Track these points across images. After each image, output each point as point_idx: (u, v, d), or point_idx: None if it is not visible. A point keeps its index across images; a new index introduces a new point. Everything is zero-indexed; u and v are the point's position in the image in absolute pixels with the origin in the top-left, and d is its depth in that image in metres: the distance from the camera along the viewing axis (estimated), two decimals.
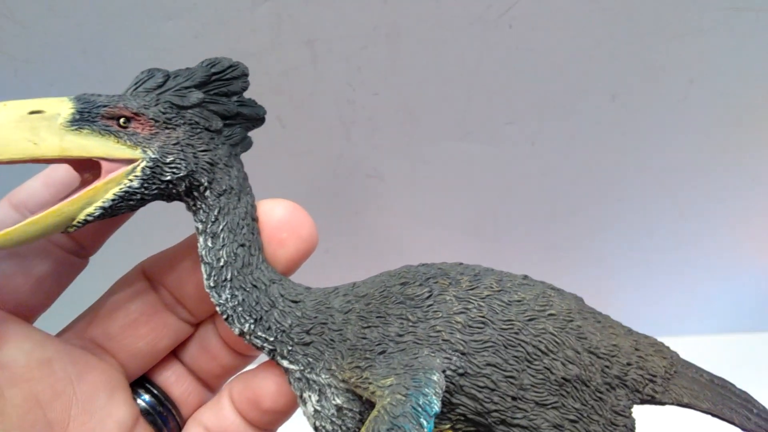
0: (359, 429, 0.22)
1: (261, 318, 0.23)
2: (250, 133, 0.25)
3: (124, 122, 0.20)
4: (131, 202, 0.20)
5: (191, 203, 0.22)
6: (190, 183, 0.21)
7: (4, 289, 0.21)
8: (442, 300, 0.22)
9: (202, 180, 0.22)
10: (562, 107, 0.48)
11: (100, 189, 0.19)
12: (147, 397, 0.25)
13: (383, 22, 0.43)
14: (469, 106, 0.47)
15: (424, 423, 0.18)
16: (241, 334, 0.23)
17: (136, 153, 0.20)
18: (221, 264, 0.22)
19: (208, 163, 0.22)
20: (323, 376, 0.23)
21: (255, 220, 0.23)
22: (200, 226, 0.22)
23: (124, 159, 0.20)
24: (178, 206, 0.24)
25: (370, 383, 0.21)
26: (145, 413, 0.25)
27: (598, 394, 0.22)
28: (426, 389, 0.19)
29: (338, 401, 0.22)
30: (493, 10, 0.43)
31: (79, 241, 0.23)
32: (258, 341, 0.23)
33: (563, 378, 0.21)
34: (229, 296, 0.22)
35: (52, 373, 0.21)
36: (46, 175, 0.22)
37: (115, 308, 0.24)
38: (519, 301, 0.22)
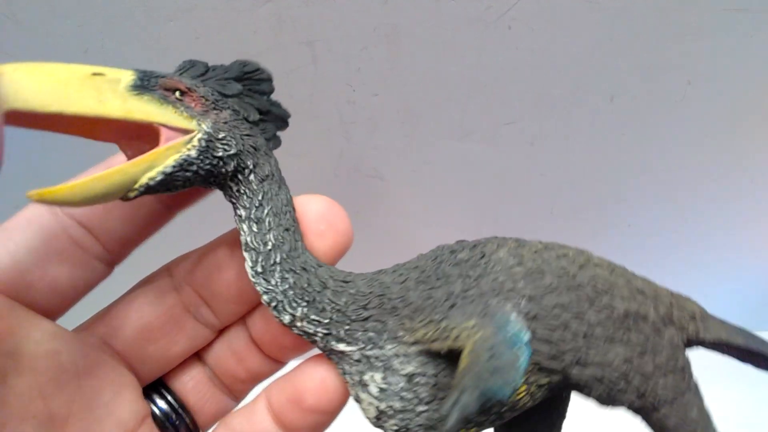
0: (435, 396, 0.22)
1: (314, 299, 0.22)
2: None
3: (179, 95, 0.21)
4: (188, 173, 0.20)
5: (234, 188, 0.22)
6: (237, 163, 0.21)
7: (21, 286, 0.21)
8: (497, 258, 0.22)
9: (248, 162, 0.22)
10: (561, 108, 0.48)
11: (162, 154, 0.19)
12: (162, 403, 0.24)
13: (383, 22, 0.43)
14: (468, 106, 0.48)
15: (520, 353, 0.19)
16: (292, 321, 0.22)
17: (192, 124, 0.20)
18: (269, 247, 0.22)
19: (252, 146, 0.22)
20: (388, 347, 0.22)
21: (294, 210, 0.23)
22: (243, 213, 0.22)
23: (182, 129, 0.20)
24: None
25: (452, 329, 0.20)
26: (157, 420, 0.24)
27: (656, 328, 0.22)
28: (511, 324, 0.19)
29: (410, 369, 0.22)
30: (492, 11, 0.43)
31: (107, 247, 0.22)
32: (311, 326, 0.22)
33: (625, 312, 0.22)
34: (279, 280, 0.22)
35: (59, 366, 0.21)
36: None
37: (129, 308, 0.23)
38: (565, 255, 0.23)
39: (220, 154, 0.21)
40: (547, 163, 0.51)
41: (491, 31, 0.44)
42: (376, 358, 0.22)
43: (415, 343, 0.22)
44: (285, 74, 0.45)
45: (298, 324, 0.22)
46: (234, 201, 0.22)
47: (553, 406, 0.25)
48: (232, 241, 0.24)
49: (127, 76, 0.19)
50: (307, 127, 0.48)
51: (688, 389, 0.23)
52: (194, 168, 0.20)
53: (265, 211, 0.22)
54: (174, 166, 0.20)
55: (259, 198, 0.22)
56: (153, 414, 0.24)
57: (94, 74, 0.19)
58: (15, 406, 0.19)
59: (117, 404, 0.22)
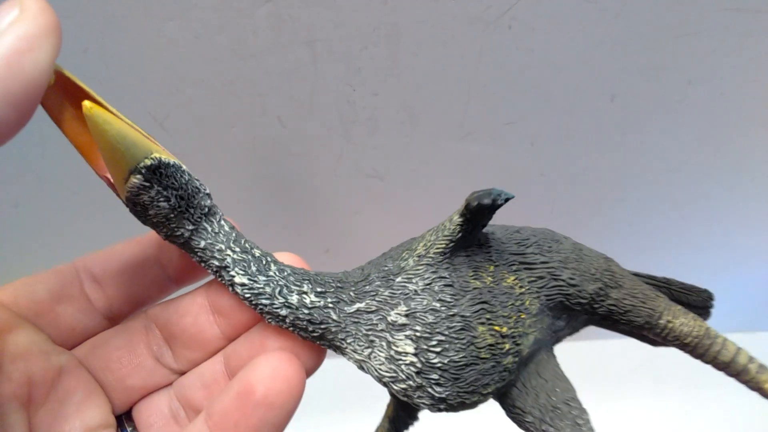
0: (457, 294, 0.24)
1: (311, 279, 0.24)
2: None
3: None
4: (182, 179, 0.22)
5: (210, 228, 0.24)
6: (211, 205, 0.24)
7: (33, 312, 0.24)
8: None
9: (217, 210, 0.24)
10: (561, 108, 0.48)
11: (163, 151, 0.22)
12: None
13: (383, 22, 0.43)
14: (469, 106, 0.48)
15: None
16: (301, 298, 0.24)
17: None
18: (258, 255, 0.24)
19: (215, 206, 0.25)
20: (398, 280, 0.24)
21: None
22: (223, 245, 0.24)
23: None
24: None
25: (444, 223, 0.24)
26: None
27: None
28: None
29: (426, 280, 0.24)
30: (492, 11, 0.43)
31: (111, 302, 0.26)
32: (320, 299, 0.24)
33: (552, 232, 0.28)
34: (276, 270, 0.24)
35: (48, 361, 0.24)
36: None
37: (101, 337, 0.26)
38: None
39: (198, 185, 0.23)
40: (547, 163, 0.51)
41: (491, 31, 0.44)
42: (392, 296, 0.24)
43: (419, 259, 0.24)
44: (285, 74, 0.45)
45: (307, 300, 0.24)
46: (210, 241, 0.24)
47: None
48: (195, 293, 0.26)
49: None
50: (307, 127, 0.48)
51: (627, 271, 0.27)
52: (186, 178, 0.22)
53: (243, 240, 0.24)
54: (175, 162, 0.22)
55: (234, 235, 0.24)
56: None
57: None
58: (7, 390, 0.22)
59: (85, 405, 0.24)
